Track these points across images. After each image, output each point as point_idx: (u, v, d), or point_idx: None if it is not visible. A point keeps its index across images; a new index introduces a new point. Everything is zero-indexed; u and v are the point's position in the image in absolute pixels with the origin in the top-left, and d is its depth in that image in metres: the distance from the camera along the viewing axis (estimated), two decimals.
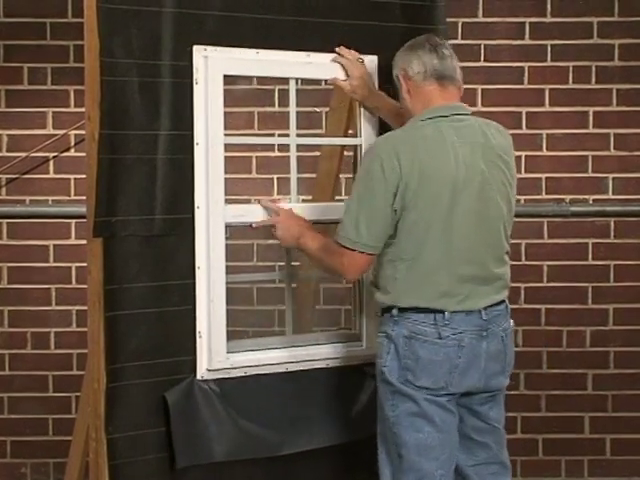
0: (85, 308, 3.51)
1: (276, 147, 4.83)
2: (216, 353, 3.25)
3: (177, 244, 3.21)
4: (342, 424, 3.44)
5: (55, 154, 4.90)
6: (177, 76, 3.18)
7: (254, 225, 3.35)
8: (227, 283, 3.27)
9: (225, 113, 3.26)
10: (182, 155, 3.20)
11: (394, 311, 3.11)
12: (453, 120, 3.13)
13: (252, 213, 3.35)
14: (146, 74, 3.14)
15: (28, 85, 4.89)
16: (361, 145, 3.48)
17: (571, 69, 4.94)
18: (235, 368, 3.30)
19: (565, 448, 4.99)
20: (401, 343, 3.09)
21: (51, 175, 4.90)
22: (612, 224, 4.97)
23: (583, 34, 4.92)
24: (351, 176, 3.57)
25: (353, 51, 3.40)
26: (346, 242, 3.09)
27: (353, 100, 3.49)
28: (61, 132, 4.86)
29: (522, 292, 4.90)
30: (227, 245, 3.28)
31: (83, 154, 3.25)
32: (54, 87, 4.88)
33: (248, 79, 4.67)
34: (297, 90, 3.43)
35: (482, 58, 4.90)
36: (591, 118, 4.95)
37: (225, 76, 3.25)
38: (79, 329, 4.83)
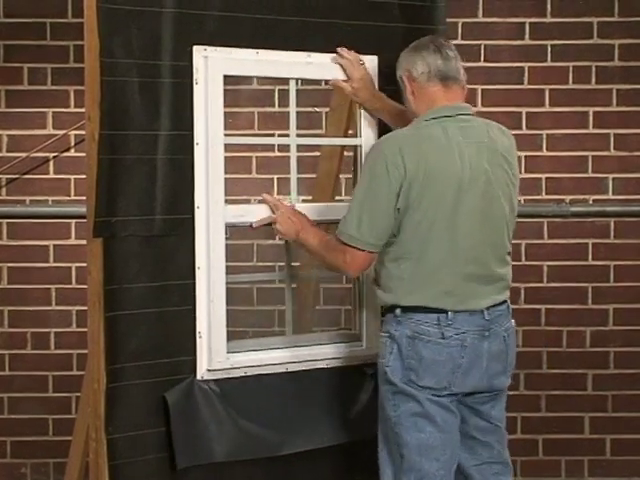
0: (85, 308, 3.51)
1: (276, 147, 4.83)
2: (216, 353, 3.25)
3: (177, 244, 3.21)
4: (342, 424, 3.44)
5: (55, 154, 4.90)
6: (177, 76, 3.18)
7: (254, 225, 3.35)
8: (227, 283, 3.27)
9: (225, 113, 3.26)
10: (182, 155, 3.20)
11: (397, 311, 3.11)
12: (458, 120, 3.14)
13: (252, 213, 3.35)
14: (146, 74, 3.14)
15: (28, 85, 4.89)
16: (361, 145, 3.48)
17: (571, 69, 4.94)
18: (235, 368, 3.30)
19: (565, 448, 4.99)
20: (404, 343, 3.09)
21: (51, 175, 4.90)
22: (612, 224, 4.97)
23: (583, 34, 4.92)
24: (351, 176, 3.57)
25: (354, 53, 3.40)
26: (348, 239, 3.09)
27: (353, 101, 3.49)
28: (61, 132, 4.87)
29: (522, 292, 4.90)
30: (227, 245, 3.28)
31: (83, 154, 3.25)
32: (54, 87, 4.88)
33: (248, 79, 4.67)
34: (297, 90, 3.43)
35: (482, 58, 4.90)
36: (591, 118, 4.95)
37: (225, 76, 3.25)
38: (79, 329, 4.83)
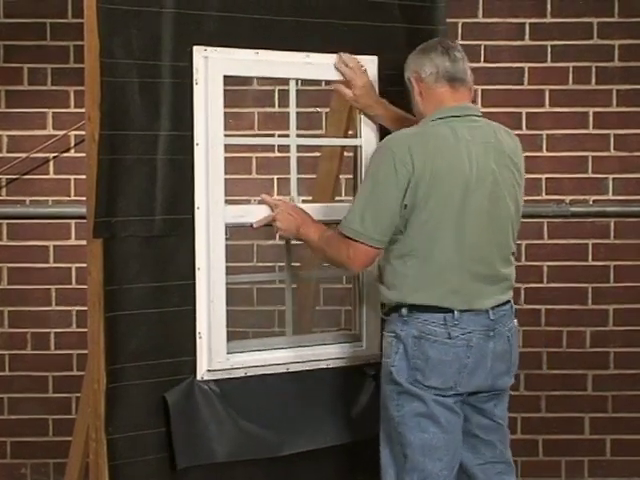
0: (85, 309, 3.51)
1: (276, 148, 4.83)
2: (216, 354, 3.25)
3: (177, 245, 3.21)
4: (343, 424, 3.44)
5: (55, 155, 4.90)
6: (177, 77, 3.18)
7: (254, 225, 3.35)
8: (227, 284, 3.27)
9: (225, 113, 3.26)
10: (182, 156, 3.20)
11: (403, 311, 3.11)
12: (465, 121, 3.16)
13: (252, 213, 3.35)
14: (146, 75, 3.14)
15: (28, 86, 4.89)
16: (361, 146, 3.48)
17: (571, 70, 4.94)
18: (235, 369, 3.30)
19: (565, 449, 4.99)
20: (410, 343, 3.10)
21: (51, 176, 4.90)
22: (612, 225, 4.97)
23: (583, 35, 4.93)
24: (351, 177, 3.57)
25: (356, 59, 3.40)
26: (352, 233, 3.09)
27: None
28: (61, 133, 4.87)
29: (522, 292, 4.90)
30: (227, 246, 3.28)
31: (83, 155, 3.25)
32: (54, 88, 4.88)
33: (248, 79, 4.67)
34: (297, 91, 3.43)
35: (482, 59, 4.90)
36: (591, 119, 4.95)
37: (225, 76, 3.25)
38: (79, 330, 4.83)
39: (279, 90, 4.81)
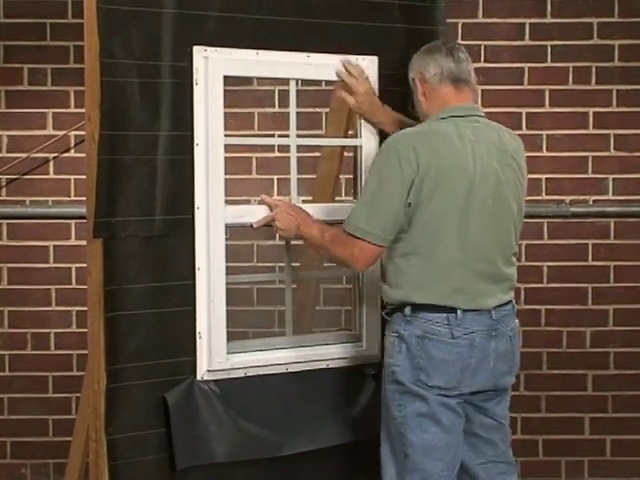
0: (85, 309, 3.51)
1: (276, 148, 4.83)
2: (216, 354, 3.25)
3: (177, 245, 3.21)
4: (343, 424, 3.44)
5: (55, 155, 4.90)
6: (177, 77, 3.18)
7: (255, 225, 3.35)
8: (227, 284, 3.27)
9: (225, 114, 3.26)
10: (182, 156, 3.20)
11: (406, 310, 3.12)
12: (469, 120, 3.17)
13: (252, 214, 3.35)
14: (146, 75, 3.14)
15: (28, 86, 4.89)
16: (361, 146, 3.48)
17: (571, 70, 4.94)
18: (235, 369, 3.30)
19: (565, 449, 4.99)
20: (414, 343, 3.10)
21: (51, 176, 4.91)
22: (612, 225, 4.97)
23: (583, 35, 4.93)
24: (351, 177, 3.57)
25: (358, 66, 3.40)
26: (357, 232, 3.10)
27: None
28: (61, 133, 4.87)
29: (522, 293, 4.90)
30: (227, 246, 3.28)
31: (83, 155, 3.25)
32: (54, 88, 4.89)
33: (248, 80, 4.67)
34: (297, 91, 3.43)
35: (482, 59, 4.90)
36: (591, 119, 4.95)
37: (225, 77, 3.25)
38: (79, 330, 4.83)
39: (279, 90, 4.81)
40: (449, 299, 3.09)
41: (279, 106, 4.84)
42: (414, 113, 3.32)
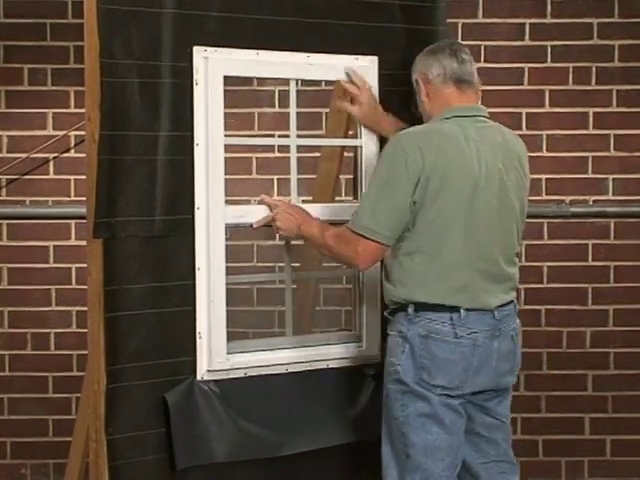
0: (85, 309, 3.51)
1: (276, 148, 4.83)
2: (216, 354, 3.25)
3: (177, 245, 3.21)
4: (342, 425, 3.44)
5: (55, 155, 4.90)
6: (177, 77, 3.18)
7: (255, 225, 3.35)
8: (227, 284, 3.27)
9: (225, 114, 3.26)
10: (182, 156, 3.20)
11: (410, 310, 3.12)
12: (474, 121, 3.18)
13: (252, 214, 3.35)
14: (146, 75, 3.14)
15: (28, 86, 4.89)
16: (361, 146, 3.48)
17: (571, 70, 4.94)
18: (235, 369, 3.30)
19: (565, 449, 4.99)
20: (417, 342, 3.10)
21: (51, 176, 4.91)
22: (612, 225, 4.97)
23: (583, 35, 4.93)
24: (351, 177, 3.57)
25: (361, 77, 3.41)
26: (362, 230, 3.09)
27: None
28: (61, 133, 4.87)
29: (522, 293, 4.89)
30: (227, 246, 3.28)
31: (83, 155, 3.25)
32: (54, 88, 4.89)
33: (248, 79, 4.67)
34: (297, 91, 3.43)
35: (482, 59, 4.89)
36: (591, 119, 4.95)
37: (225, 77, 3.25)
38: (79, 330, 4.83)
39: (279, 90, 4.81)
40: (453, 298, 3.10)
41: (279, 106, 4.84)
42: (417, 114, 3.32)
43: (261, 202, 3.36)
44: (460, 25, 4.90)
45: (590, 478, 5.01)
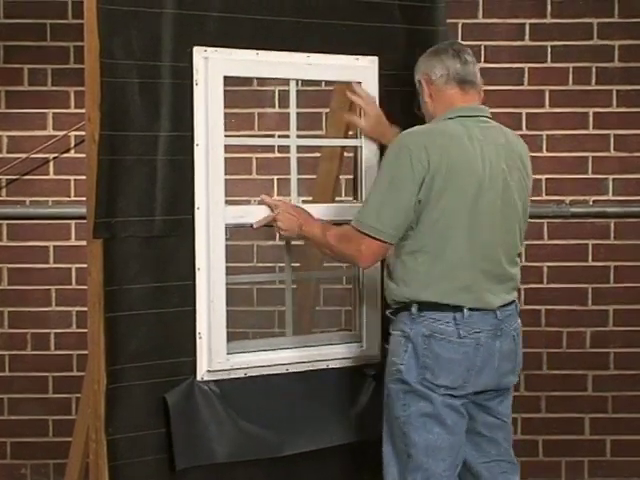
0: (85, 309, 3.51)
1: (276, 148, 4.83)
2: (216, 354, 3.25)
3: (177, 245, 3.21)
4: (343, 425, 3.44)
5: (55, 155, 4.90)
6: (177, 77, 3.18)
7: (255, 226, 3.35)
8: (227, 284, 3.27)
9: (225, 114, 3.26)
10: (182, 156, 3.20)
11: (413, 309, 3.12)
12: (477, 121, 3.19)
13: (252, 214, 3.35)
14: (146, 75, 3.14)
15: (28, 86, 4.89)
16: (361, 146, 3.48)
17: (571, 70, 4.94)
18: (235, 369, 3.30)
19: (565, 449, 4.99)
20: (420, 342, 3.10)
21: (51, 176, 4.91)
22: (612, 225, 4.97)
23: (583, 35, 4.93)
24: (351, 177, 3.57)
25: (366, 91, 3.41)
26: (369, 230, 3.09)
27: (354, 102, 3.49)
28: (61, 133, 4.87)
29: (522, 293, 4.89)
30: (227, 246, 3.28)
31: (83, 155, 3.25)
32: (54, 88, 4.89)
33: (248, 80, 4.67)
34: (297, 91, 3.43)
35: (482, 59, 4.89)
36: (591, 119, 4.95)
37: (225, 77, 3.25)
38: (79, 330, 4.83)
39: (279, 90, 4.81)
40: (456, 297, 3.10)
41: (279, 106, 4.84)
42: (419, 114, 3.32)
43: (261, 202, 3.36)
44: (460, 25, 4.90)
45: (590, 478, 5.01)
